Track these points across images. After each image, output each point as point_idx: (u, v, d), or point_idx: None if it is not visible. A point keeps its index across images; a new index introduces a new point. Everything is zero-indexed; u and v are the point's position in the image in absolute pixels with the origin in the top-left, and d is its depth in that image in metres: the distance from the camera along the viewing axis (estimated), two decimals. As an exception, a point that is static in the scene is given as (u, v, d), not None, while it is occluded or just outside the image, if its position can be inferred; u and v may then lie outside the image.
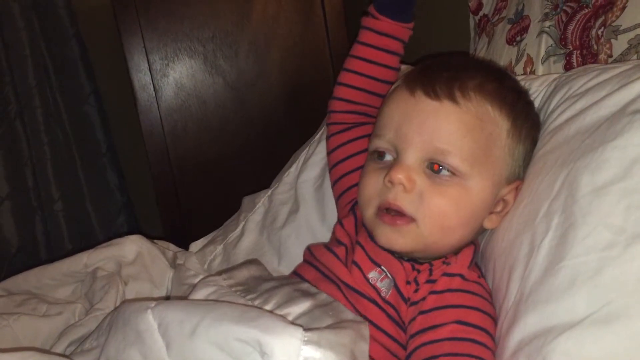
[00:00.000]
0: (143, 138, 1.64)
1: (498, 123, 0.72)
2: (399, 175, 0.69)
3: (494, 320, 0.68)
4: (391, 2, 0.85)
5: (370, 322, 0.70)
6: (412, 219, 0.70)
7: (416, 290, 0.71)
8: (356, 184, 0.82)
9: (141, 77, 1.61)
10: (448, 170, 0.70)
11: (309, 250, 0.83)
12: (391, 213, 0.71)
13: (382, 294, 0.72)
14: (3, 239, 1.89)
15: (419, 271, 0.72)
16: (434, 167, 0.70)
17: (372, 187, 0.74)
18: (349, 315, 0.66)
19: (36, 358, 0.58)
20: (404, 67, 0.94)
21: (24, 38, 1.86)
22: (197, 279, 0.81)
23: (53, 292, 0.89)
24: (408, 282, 0.72)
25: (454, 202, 0.70)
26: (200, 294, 0.70)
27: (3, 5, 1.83)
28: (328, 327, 0.60)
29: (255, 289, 0.71)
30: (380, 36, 0.87)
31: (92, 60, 2.01)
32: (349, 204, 0.87)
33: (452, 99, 0.70)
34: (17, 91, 1.88)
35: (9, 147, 1.88)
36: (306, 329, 0.56)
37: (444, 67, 0.75)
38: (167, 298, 0.90)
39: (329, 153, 0.93)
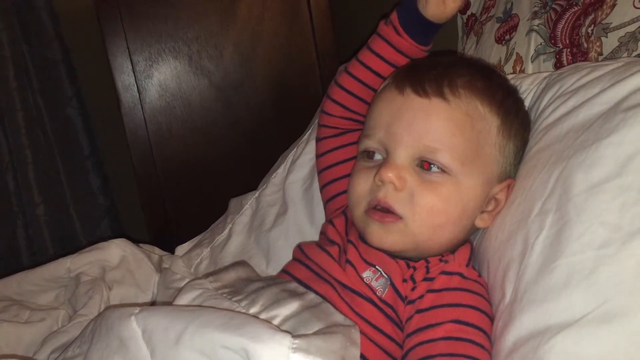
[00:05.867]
0: (127, 140, 1.61)
1: (488, 120, 0.71)
2: (389, 174, 0.69)
3: (492, 320, 0.67)
4: (418, 22, 0.80)
5: (367, 321, 0.69)
6: (400, 217, 0.69)
7: (413, 289, 0.70)
8: (345, 191, 0.80)
9: (125, 79, 1.59)
10: (438, 168, 0.69)
11: (300, 249, 0.82)
12: (382, 211, 0.70)
13: (377, 294, 0.71)
14: (-16, 245, 1.86)
15: (414, 268, 0.71)
16: (424, 165, 0.70)
17: (362, 186, 0.73)
18: (339, 317, 0.65)
19: (17, 366, 0.56)
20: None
21: (4, 39, 1.83)
22: (184, 283, 0.79)
23: (35, 298, 0.88)
24: (404, 280, 0.71)
25: (445, 199, 0.69)
26: (186, 298, 0.69)
27: (-18, 6, 1.80)
28: (317, 332, 0.59)
29: (242, 291, 0.70)
30: (396, 52, 0.82)
31: (74, 62, 1.98)
32: (338, 210, 0.86)
33: (442, 96, 0.70)
34: (-3, 94, 1.85)
35: (-10, 151, 1.85)
36: (294, 336, 0.55)
37: (432, 66, 0.75)
38: (153, 303, 0.88)
39: (318, 156, 0.91)
